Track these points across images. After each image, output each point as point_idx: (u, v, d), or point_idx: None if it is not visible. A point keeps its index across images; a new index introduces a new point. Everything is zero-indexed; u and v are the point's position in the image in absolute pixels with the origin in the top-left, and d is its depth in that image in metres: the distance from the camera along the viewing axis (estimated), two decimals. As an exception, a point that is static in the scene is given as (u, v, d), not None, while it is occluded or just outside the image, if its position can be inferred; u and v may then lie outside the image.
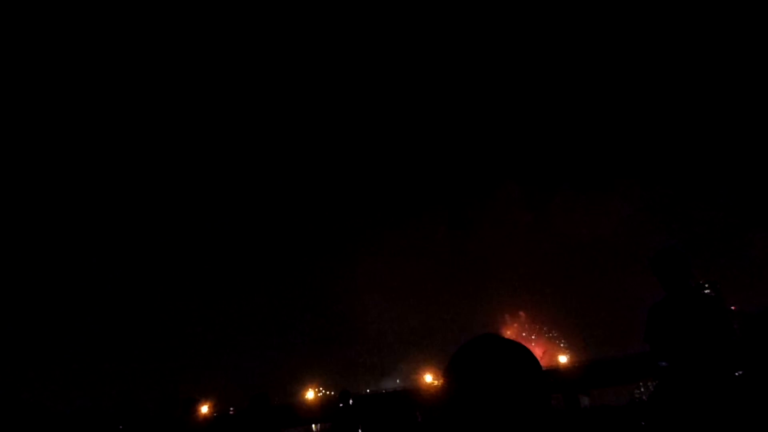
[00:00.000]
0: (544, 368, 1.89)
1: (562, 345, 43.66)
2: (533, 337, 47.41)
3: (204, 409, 39.96)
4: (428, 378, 36.60)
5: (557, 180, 42.53)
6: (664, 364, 4.40)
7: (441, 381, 1.85)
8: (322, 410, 34.22)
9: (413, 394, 33.07)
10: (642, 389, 35.98)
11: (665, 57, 41.05)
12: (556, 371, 34.00)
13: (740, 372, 4.17)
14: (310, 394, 40.82)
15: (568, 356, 38.91)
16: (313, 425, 39.19)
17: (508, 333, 47.43)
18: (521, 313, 48.35)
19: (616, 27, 40.53)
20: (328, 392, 42.86)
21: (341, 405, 9.67)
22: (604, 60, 41.05)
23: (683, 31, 38.98)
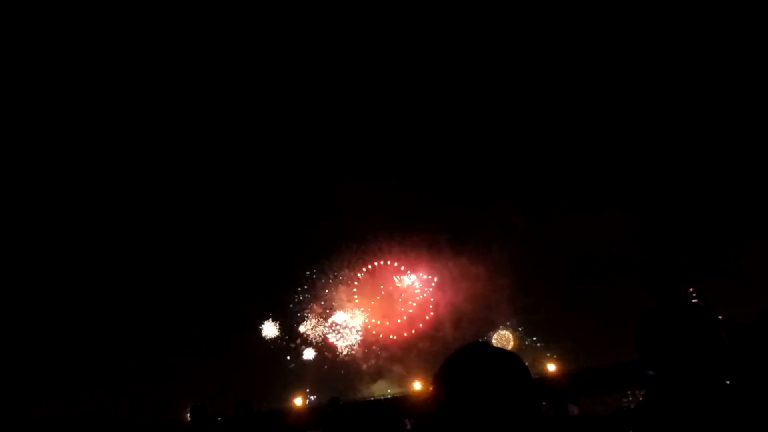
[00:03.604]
0: (533, 376, 1.88)
1: (550, 355, 43.81)
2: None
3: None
4: (417, 385, 36.42)
5: (552, 191, 42.71)
6: (652, 372, 4.40)
7: (431, 388, 1.84)
8: (311, 418, 33.99)
9: (402, 402, 32.95)
10: (630, 398, 36.06)
11: (658, 69, 41.38)
12: (544, 379, 33.97)
13: (728, 381, 4.18)
14: (298, 401, 40.52)
15: (557, 364, 38.80)
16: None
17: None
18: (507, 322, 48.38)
19: (608, 43, 40.93)
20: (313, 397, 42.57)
21: (330, 413, 9.61)
22: (598, 73, 41.42)
23: (676, 45, 39.29)
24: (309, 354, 49.36)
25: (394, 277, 52.36)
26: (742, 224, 39.72)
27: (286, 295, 51.18)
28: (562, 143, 45.40)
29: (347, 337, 50.18)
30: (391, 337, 49.43)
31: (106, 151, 44.93)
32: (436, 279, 51.93)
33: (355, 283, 51.96)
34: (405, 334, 49.57)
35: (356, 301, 51.36)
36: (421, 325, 49.97)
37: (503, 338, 48.05)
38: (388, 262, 52.67)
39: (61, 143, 43.87)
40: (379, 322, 50.56)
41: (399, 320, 50.36)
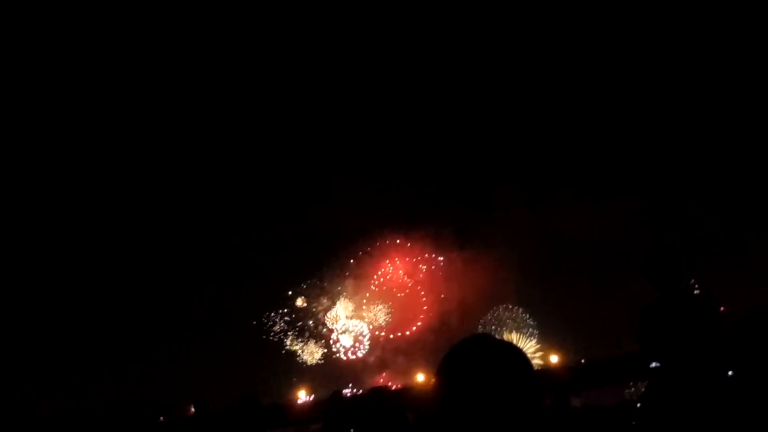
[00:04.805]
0: (535, 368, 1.89)
1: (553, 346, 43.88)
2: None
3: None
4: (420, 377, 36.56)
5: (556, 181, 42.55)
6: (654, 364, 4.41)
7: (433, 381, 1.85)
8: (313, 410, 34.12)
9: (405, 394, 33.03)
10: (633, 389, 36.20)
11: (661, 60, 41.15)
12: (546, 371, 34.06)
13: (731, 373, 4.18)
14: (301, 394, 40.66)
15: (559, 356, 38.96)
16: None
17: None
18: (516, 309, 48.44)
19: (612, 33, 40.70)
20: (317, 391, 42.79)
21: (332, 406, 9.65)
22: (601, 66, 41.27)
23: (681, 34, 39.07)
24: (315, 348, 49.57)
25: (388, 267, 52.50)
26: (743, 216, 39.66)
27: (292, 290, 51.27)
28: (567, 134, 45.28)
29: (352, 331, 50.36)
30: (398, 345, 49.60)
31: (106, 144, 44.94)
32: (441, 273, 52.04)
33: (350, 273, 52.05)
34: (414, 328, 49.70)
35: (346, 298, 51.55)
36: (422, 324, 50.10)
37: (506, 324, 48.21)
38: (394, 256, 52.80)
39: (61, 140, 43.90)
40: (383, 319, 50.73)
41: (412, 315, 50.54)
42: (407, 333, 49.26)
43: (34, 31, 40.00)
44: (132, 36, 42.95)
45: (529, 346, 45.90)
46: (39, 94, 42.02)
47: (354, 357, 49.25)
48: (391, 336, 49.72)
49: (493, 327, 47.91)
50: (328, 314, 50.75)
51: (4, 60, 39.04)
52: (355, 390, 41.93)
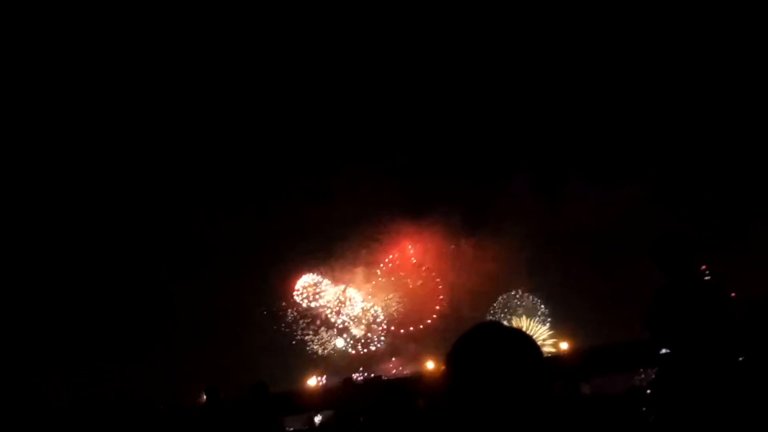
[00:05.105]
0: (545, 355, 1.88)
1: (563, 333, 43.83)
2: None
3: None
4: (430, 365, 36.62)
5: (567, 168, 42.36)
6: (665, 350, 4.40)
7: (443, 368, 1.85)
8: (324, 398, 34.21)
9: (415, 381, 33.03)
10: (643, 376, 36.16)
11: (672, 48, 40.78)
12: (556, 358, 34.02)
13: (741, 358, 4.17)
14: (311, 382, 40.81)
15: (570, 343, 38.87)
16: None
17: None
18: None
19: (625, 18, 40.39)
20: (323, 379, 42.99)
21: (344, 393, 9.71)
22: (612, 53, 40.89)
23: (690, 23, 38.70)
24: (327, 336, 49.72)
25: (397, 255, 52.47)
26: (755, 201, 39.38)
27: (302, 280, 51.42)
28: (578, 123, 45.04)
29: (363, 317, 50.45)
30: (408, 332, 49.63)
31: (109, 144, 45.14)
32: (451, 259, 51.99)
33: (361, 260, 52.05)
34: (429, 321, 49.69)
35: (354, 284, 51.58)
36: (438, 307, 50.12)
37: (516, 310, 48.22)
38: (405, 244, 52.77)
39: (62, 140, 44.14)
40: (395, 308, 50.81)
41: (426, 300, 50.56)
42: (420, 326, 49.27)
43: (34, 31, 40.11)
44: (130, 32, 42.91)
45: (540, 332, 45.87)
46: (38, 93, 42.16)
47: (366, 351, 49.34)
48: (402, 330, 49.80)
49: (504, 313, 47.93)
50: (338, 300, 50.83)
51: (4, 59, 39.18)
52: (365, 375, 42.08)
